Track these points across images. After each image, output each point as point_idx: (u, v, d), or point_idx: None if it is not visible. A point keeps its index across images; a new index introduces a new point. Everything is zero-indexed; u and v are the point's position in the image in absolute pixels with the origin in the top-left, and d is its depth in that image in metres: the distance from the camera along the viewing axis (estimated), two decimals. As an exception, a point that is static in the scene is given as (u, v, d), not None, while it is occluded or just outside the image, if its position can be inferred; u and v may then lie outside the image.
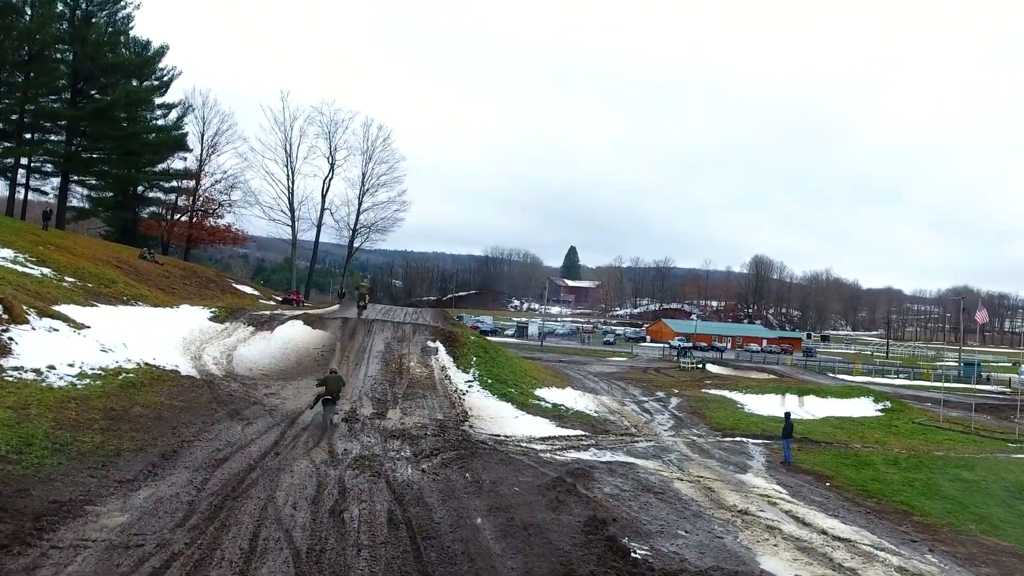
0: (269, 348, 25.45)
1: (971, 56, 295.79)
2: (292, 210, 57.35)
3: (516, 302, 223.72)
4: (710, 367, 68.51)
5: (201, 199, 57.25)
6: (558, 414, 24.15)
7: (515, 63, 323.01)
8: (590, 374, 51.94)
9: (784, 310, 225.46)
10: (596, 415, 25.56)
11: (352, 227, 60.01)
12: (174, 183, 58.53)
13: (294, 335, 27.30)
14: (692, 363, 68.96)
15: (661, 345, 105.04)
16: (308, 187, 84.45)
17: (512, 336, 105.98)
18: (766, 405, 34.59)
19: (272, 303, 41.88)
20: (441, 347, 28.42)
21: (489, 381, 25.67)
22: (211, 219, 57.76)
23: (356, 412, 19.79)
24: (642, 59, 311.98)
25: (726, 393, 38.63)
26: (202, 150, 57.75)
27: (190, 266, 45.05)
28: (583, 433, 21.39)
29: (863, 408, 35.23)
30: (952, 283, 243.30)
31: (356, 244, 61.29)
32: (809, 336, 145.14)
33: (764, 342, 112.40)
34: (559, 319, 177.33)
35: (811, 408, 35.39)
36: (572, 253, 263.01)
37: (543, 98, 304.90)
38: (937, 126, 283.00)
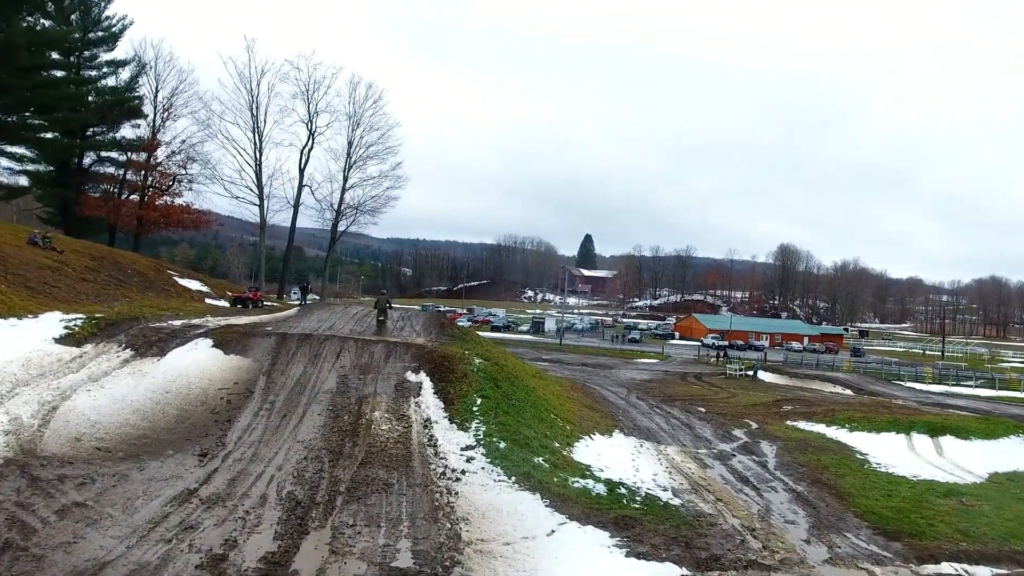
0: (138, 391, 15.32)
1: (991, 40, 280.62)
2: (260, 185, 47.23)
3: (530, 292, 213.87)
4: (762, 374, 58.20)
5: (154, 175, 47.39)
6: (620, 511, 13.90)
7: (521, 50, 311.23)
8: (624, 386, 42.49)
9: (812, 302, 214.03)
10: (679, 505, 15.26)
11: (336, 207, 49.80)
12: (126, 155, 48.72)
13: (192, 365, 17.15)
14: (740, 368, 58.57)
15: (693, 343, 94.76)
16: (282, 158, 73.84)
17: (528, 332, 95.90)
18: (897, 455, 24.19)
19: (213, 305, 31.97)
20: (426, 382, 18.15)
21: (502, 446, 15.43)
22: (166, 197, 47.88)
23: (234, 543, 9.76)
24: (656, 46, 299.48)
25: (823, 429, 28.14)
26: (155, 114, 47.86)
27: (112, 255, 35.00)
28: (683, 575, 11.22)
29: (1025, 452, 25.03)
30: (974, 274, 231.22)
31: (341, 227, 51.04)
32: (847, 331, 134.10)
33: (806, 340, 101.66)
34: (576, 311, 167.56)
35: (956, 456, 24.90)
36: (588, 241, 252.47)
37: (552, 87, 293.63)
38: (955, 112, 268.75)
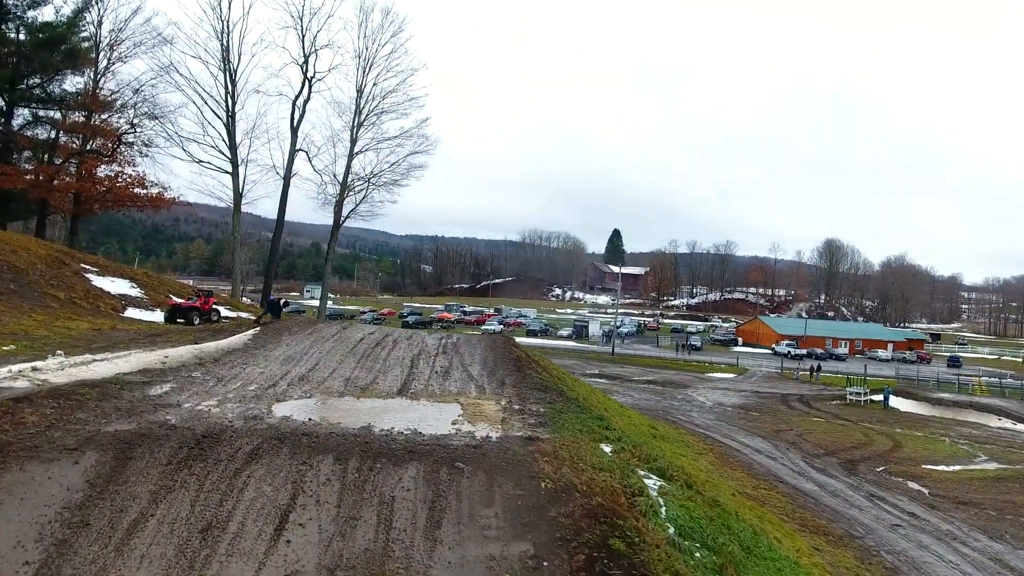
0: None
1: None
2: (232, 146, 34.04)
3: (558, 290, 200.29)
4: (894, 400, 44.82)
5: (93, 138, 34.83)
6: None
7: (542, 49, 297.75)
8: (723, 417, 34.82)
9: (859, 301, 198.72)
10: None
11: (342, 179, 36.47)
12: (61, 112, 36.38)
13: None
14: (864, 393, 45.20)
15: (760, 351, 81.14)
16: (267, 111, 60.59)
17: (569, 338, 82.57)
18: None
19: (130, 321, 19.14)
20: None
21: None
22: (113, 166, 35.24)
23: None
24: (680, 37, 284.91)
25: None
26: (96, 52, 35.22)
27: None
28: None
29: None
30: (1010, 271, 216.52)
31: (348, 206, 37.24)
32: (935, 337, 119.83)
33: (890, 347, 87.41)
34: (608, 312, 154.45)
35: None
36: (616, 237, 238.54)
37: (577, 86, 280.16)
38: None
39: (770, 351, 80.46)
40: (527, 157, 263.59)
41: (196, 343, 15.21)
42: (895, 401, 44.57)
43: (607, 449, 9.57)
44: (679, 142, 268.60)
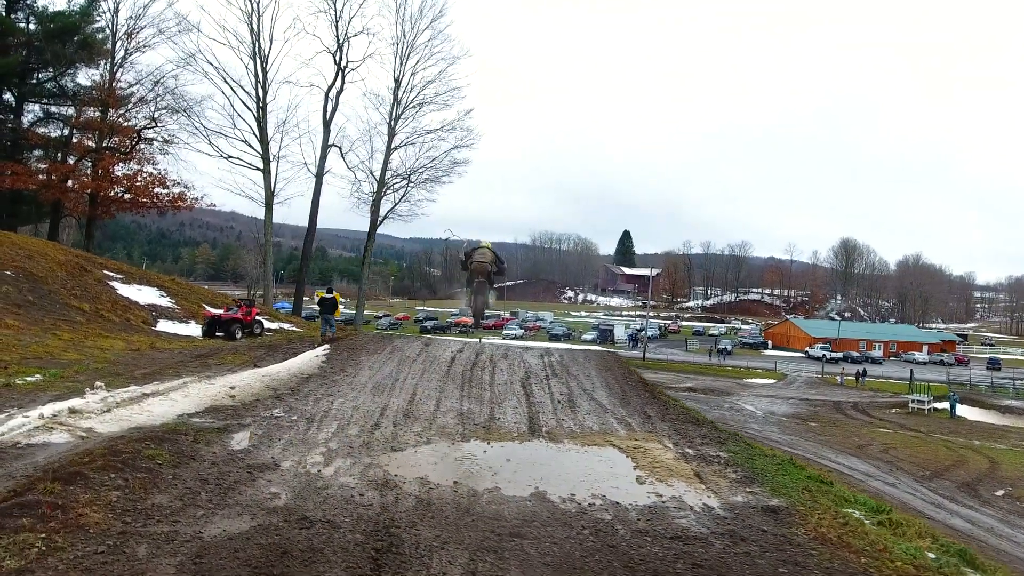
0: None
1: None
2: (264, 140, 31.29)
3: (570, 293, 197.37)
4: (961, 409, 41.90)
5: (111, 134, 32.20)
6: None
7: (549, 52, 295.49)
8: (788, 431, 30.57)
9: (876, 301, 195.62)
10: None
11: (379, 176, 33.58)
12: (75, 109, 33.94)
13: None
14: (928, 401, 42.30)
15: (792, 354, 78.28)
16: (300, 101, 57.17)
17: (594, 343, 79.77)
18: None
19: (161, 336, 16.49)
20: None
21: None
22: (131, 164, 32.61)
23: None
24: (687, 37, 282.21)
25: None
26: (113, 42, 32.66)
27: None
28: None
29: None
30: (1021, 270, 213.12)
31: (386, 206, 34.59)
32: (964, 338, 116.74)
33: (925, 348, 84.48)
34: (623, 313, 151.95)
35: None
36: (626, 238, 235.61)
37: (582, 89, 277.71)
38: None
39: (803, 354, 77.71)
40: (535, 157, 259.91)
41: (256, 366, 12.56)
42: (961, 409, 41.69)
43: (870, 523, 6.91)
44: (690, 142, 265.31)
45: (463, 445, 8.86)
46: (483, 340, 22.21)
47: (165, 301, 21.67)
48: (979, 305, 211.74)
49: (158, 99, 32.44)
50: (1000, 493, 21.29)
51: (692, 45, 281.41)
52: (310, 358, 13.24)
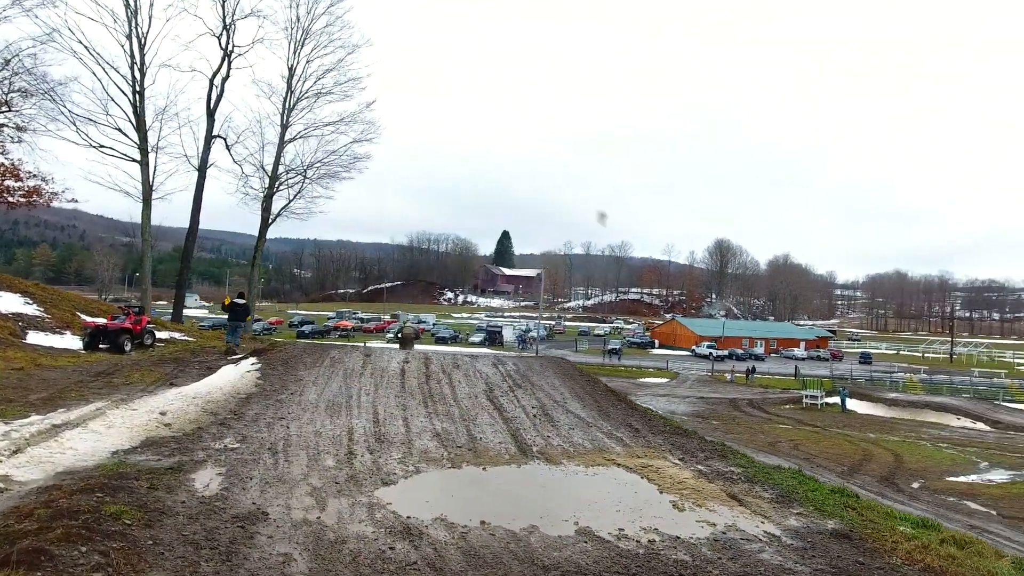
0: None
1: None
2: (141, 127, 28.05)
3: (449, 294, 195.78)
4: (851, 403, 43.94)
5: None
6: None
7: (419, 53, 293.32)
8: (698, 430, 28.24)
9: (750, 299, 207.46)
10: None
11: (271, 171, 31.18)
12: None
13: None
14: (820, 396, 44.13)
15: (679, 352, 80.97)
16: (183, 87, 52.04)
17: (482, 345, 79.03)
18: None
19: (33, 349, 13.97)
20: None
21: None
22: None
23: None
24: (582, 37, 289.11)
25: None
26: (-47, 12, 28.15)
27: None
28: None
29: None
30: (874, 269, 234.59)
31: (279, 203, 31.73)
32: (833, 334, 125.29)
33: (802, 344, 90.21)
34: (504, 314, 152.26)
35: None
36: (505, 238, 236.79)
37: (465, 90, 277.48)
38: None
39: (690, 353, 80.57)
40: (408, 157, 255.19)
41: (173, 384, 10.71)
42: (850, 403, 43.70)
43: (941, 544, 6.47)
44: (571, 144, 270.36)
45: (457, 472, 7.72)
46: (367, 344, 20.61)
47: (32, 309, 18.66)
48: (840, 303, 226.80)
49: (11, 80, 28.31)
50: (916, 486, 22.21)
51: (577, 47, 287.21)
52: (239, 374, 11.50)
